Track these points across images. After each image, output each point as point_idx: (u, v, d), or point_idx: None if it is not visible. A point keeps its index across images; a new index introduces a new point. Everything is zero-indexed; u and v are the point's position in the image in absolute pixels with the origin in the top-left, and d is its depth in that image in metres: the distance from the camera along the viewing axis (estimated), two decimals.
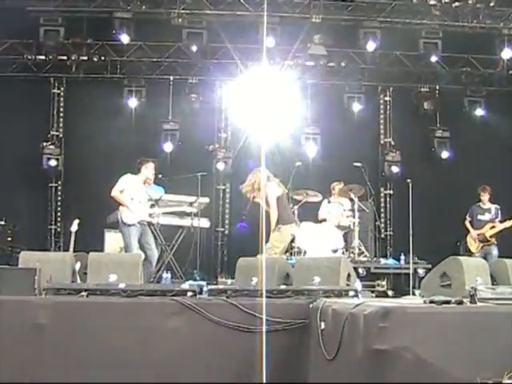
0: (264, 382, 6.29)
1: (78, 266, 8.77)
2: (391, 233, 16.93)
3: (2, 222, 14.54)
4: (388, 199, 17.20)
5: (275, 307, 6.57)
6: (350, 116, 16.69)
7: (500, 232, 13.23)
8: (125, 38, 15.26)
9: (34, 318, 6.32)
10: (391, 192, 17.14)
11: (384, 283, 13.31)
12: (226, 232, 16.80)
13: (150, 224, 11.64)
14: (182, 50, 15.99)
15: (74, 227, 11.47)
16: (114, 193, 10.98)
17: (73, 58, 15.73)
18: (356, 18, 15.77)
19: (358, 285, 7.63)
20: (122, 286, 6.92)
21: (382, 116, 17.39)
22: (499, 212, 13.29)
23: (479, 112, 16.84)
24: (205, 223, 13.17)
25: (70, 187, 16.34)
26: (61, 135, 16.50)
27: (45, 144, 15.96)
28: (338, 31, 15.84)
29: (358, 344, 5.20)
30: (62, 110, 16.70)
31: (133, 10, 15.23)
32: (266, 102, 16.26)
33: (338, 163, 15.99)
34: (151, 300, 6.65)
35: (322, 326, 5.96)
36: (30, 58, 15.79)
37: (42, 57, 15.75)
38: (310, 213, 13.84)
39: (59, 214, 16.44)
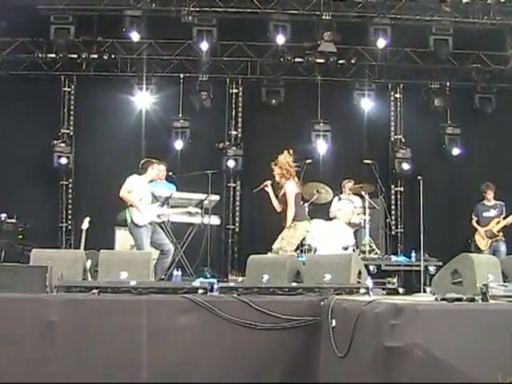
0: (275, 380, 6.31)
1: (89, 263, 8.78)
2: (402, 230, 16.88)
3: (13, 220, 14.60)
4: (399, 196, 17.15)
5: (286, 305, 6.56)
6: (361, 113, 16.66)
7: (506, 226, 13.21)
8: (135, 36, 15.29)
9: (46, 316, 6.33)
10: (402, 189, 17.09)
11: (395, 280, 13.30)
12: (237, 229, 16.81)
13: (160, 222, 11.66)
14: (192, 48, 16.00)
15: (85, 225, 11.51)
16: (123, 193, 10.98)
17: (83, 56, 15.77)
18: (366, 15, 15.73)
19: (369, 282, 7.62)
20: (132, 283, 6.92)
21: (392, 113, 17.32)
22: (504, 208, 13.29)
23: (490, 108, 16.76)
24: (215, 221, 13.16)
25: (81, 185, 16.38)
26: (71, 133, 16.54)
27: (55, 142, 16.01)
28: (348, 28, 15.79)
29: (369, 341, 5.19)
30: (72, 108, 16.74)
31: (143, 8, 15.25)
32: (274, 99, 16.37)
33: (349, 160, 15.99)
34: (162, 297, 6.66)
35: (333, 323, 5.94)
36: (40, 56, 15.83)
37: (53, 55, 15.79)
38: (320, 210, 13.82)
39: (70, 211, 16.48)
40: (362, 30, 15.81)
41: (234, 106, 17.05)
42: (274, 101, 16.52)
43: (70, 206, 16.53)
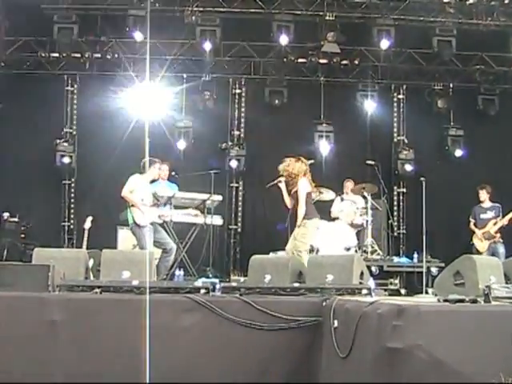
0: (277, 380, 6.31)
1: (91, 262, 8.79)
2: (404, 231, 16.88)
3: (16, 219, 14.60)
4: (401, 197, 17.15)
5: (288, 305, 6.57)
6: (364, 114, 16.64)
7: (504, 227, 13.21)
8: (138, 36, 15.28)
9: (48, 315, 6.34)
10: (404, 190, 17.09)
11: (397, 281, 13.29)
12: (239, 230, 16.81)
13: (163, 222, 11.67)
14: (195, 48, 15.99)
15: (87, 224, 11.53)
16: (125, 193, 11.00)
17: (86, 55, 15.78)
18: (370, 16, 15.73)
19: (371, 283, 7.62)
20: (135, 283, 6.92)
21: (395, 114, 17.32)
22: (500, 210, 13.28)
23: (493, 110, 16.76)
24: (218, 221, 13.17)
25: (83, 184, 16.38)
26: (74, 132, 16.55)
27: (58, 141, 16.01)
28: (352, 29, 15.79)
29: (371, 342, 5.19)
30: (75, 107, 16.74)
31: (146, 8, 15.24)
32: (278, 100, 16.36)
33: (351, 161, 15.99)
34: (164, 297, 6.66)
35: (335, 324, 5.95)
36: (43, 55, 15.84)
37: (56, 54, 15.80)
38: (322, 211, 13.81)
39: (72, 210, 16.49)
40: (366, 31, 15.81)
41: (236, 106, 17.05)
42: (276, 101, 16.51)
43: (72, 206, 16.54)
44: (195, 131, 16.21)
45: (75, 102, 16.76)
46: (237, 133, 16.95)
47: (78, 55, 15.80)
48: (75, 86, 16.76)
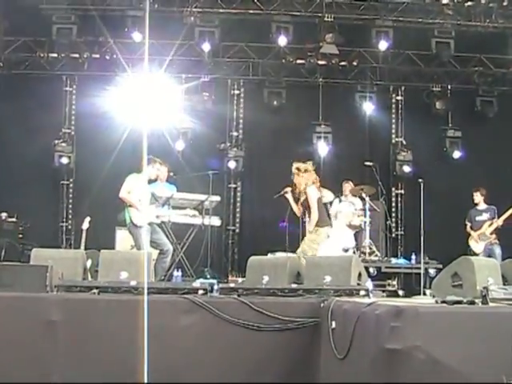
0: (274, 381, 6.32)
1: (89, 263, 8.79)
2: (402, 232, 16.89)
3: (14, 219, 14.60)
4: (399, 199, 17.16)
5: (286, 306, 6.57)
6: (362, 115, 16.66)
7: (499, 228, 13.21)
8: (137, 36, 15.28)
9: (46, 315, 6.34)
10: (402, 192, 17.10)
11: (395, 283, 13.31)
12: (237, 230, 16.81)
13: (161, 223, 11.67)
14: (194, 49, 16.00)
15: (86, 225, 11.53)
16: (123, 194, 10.98)
17: (85, 55, 15.80)
18: (368, 17, 15.75)
19: (369, 284, 7.63)
20: (133, 283, 6.93)
21: (393, 115, 17.34)
22: (496, 212, 13.28)
23: (491, 112, 16.77)
24: (216, 221, 13.16)
25: (82, 185, 16.36)
26: (72, 133, 16.56)
27: (56, 142, 16.02)
28: (350, 30, 15.80)
29: (369, 343, 5.19)
30: (73, 107, 16.75)
31: (145, 8, 15.24)
32: (276, 101, 16.37)
33: (350, 162, 16.00)
34: (162, 298, 6.67)
35: (333, 325, 5.95)
36: (42, 55, 15.87)
37: (55, 55, 15.82)
38: None
39: (70, 211, 16.50)
40: (364, 32, 15.83)
41: (235, 106, 17.05)
42: (275, 102, 16.52)
43: (70, 206, 16.54)
44: (194, 132, 16.20)
45: (74, 102, 16.77)
46: (235, 134, 16.95)
47: (77, 55, 15.81)
48: (74, 86, 16.78)
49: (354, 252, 13.36)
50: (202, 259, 13.27)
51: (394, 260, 14.24)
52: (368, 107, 16.63)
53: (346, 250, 13.05)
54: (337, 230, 13.37)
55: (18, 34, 15.55)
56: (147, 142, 15.28)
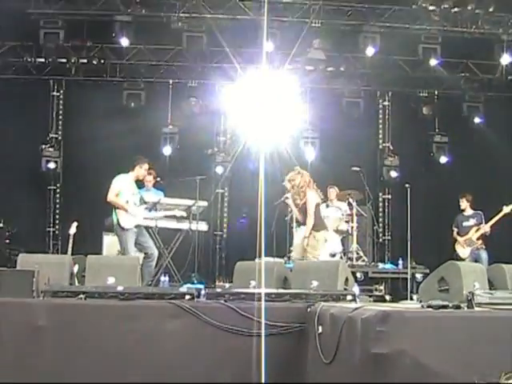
0: None
1: (76, 268, 8.78)
2: (389, 237, 16.93)
3: (1, 224, 14.52)
4: (386, 204, 17.21)
5: (273, 311, 6.57)
6: (349, 120, 16.71)
7: (485, 235, 13.26)
8: (124, 41, 15.27)
9: (32, 320, 6.32)
10: (389, 196, 17.16)
11: (382, 288, 13.32)
12: (225, 235, 16.82)
13: (148, 227, 11.65)
14: (181, 54, 16.01)
15: (73, 230, 11.49)
16: (111, 198, 10.95)
17: (72, 60, 15.74)
18: (356, 23, 15.77)
19: (356, 289, 7.65)
20: (119, 288, 6.91)
21: (380, 120, 17.41)
22: (482, 217, 13.32)
23: (478, 117, 16.85)
24: (203, 227, 13.15)
25: (69, 190, 16.35)
26: (60, 138, 16.53)
27: (44, 146, 16.00)
28: (338, 36, 15.84)
29: (355, 348, 5.20)
30: (61, 112, 16.73)
31: (133, 14, 15.24)
32: (265, 106, 16.34)
33: (337, 167, 16.00)
34: (149, 303, 6.66)
35: (320, 329, 5.96)
36: (29, 60, 15.83)
37: (42, 59, 15.78)
38: None
39: (58, 216, 16.45)
40: (352, 38, 15.87)
41: (223, 112, 17.03)
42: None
43: (57, 211, 16.50)
44: (181, 137, 16.21)
45: (61, 107, 16.74)
46: (223, 139, 16.95)
47: (64, 60, 15.75)
48: (61, 91, 16.75)
49: (341, 257, 13.37)
50: (190, 264, 13.26)
51: (381, 265, 14.27)
52: (355, 112, 16.72)
53: (333, 255, 13.04)
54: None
55: (5, 38, 15.49)
56: (135, 146, 15.39)
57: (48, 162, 15.94)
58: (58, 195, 16.57)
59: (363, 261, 13.91)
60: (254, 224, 15.48)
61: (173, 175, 14.38)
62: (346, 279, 7.96)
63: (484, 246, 13.29)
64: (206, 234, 14.59)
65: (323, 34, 15.47)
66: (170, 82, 16.47)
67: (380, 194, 17.15)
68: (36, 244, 14.81)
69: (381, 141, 17.34)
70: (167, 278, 11.21)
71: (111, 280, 7.59)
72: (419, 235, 13.00)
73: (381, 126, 17.38)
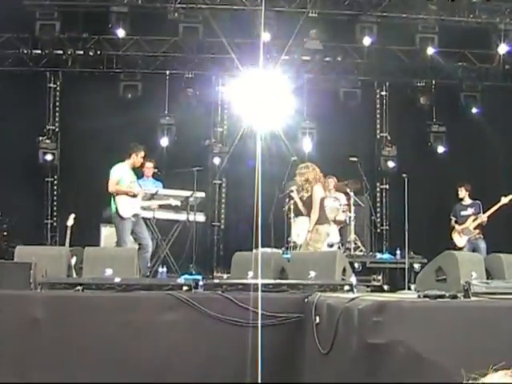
0: (259, 375, 6.32)
1: (73, 260, 8.79)
2: (387, 227, 16.96)
3: None
4: (384, 194, 17.23)
5: (270, 301, 6.57)
6: (346, 111, 16.71)
7: (482, 225, 13.28)
8: (121, 33, 15.24)
9: (30, 313, 6.31)
10: (387, 187, 17.18)
11: (380, 278, 13.36)
12: (222, 226, 16.82)
13: (145, 219, 11.67)
14: (178, 45, 15.98)
15: (70, 222, 11.51)
16: (112, 188, 10.98)
17: (69, 52, 15.74)
18: (352, 13, 15.74)
19: (353, 279, 7.66)
20: (117, 280, 6.91)
21: (378, 111, 17.40)
22: (480, 207, 13.35)
23: (475, 107, 16.85)
24: (201, 218, 13.19)
25: (66, 182, 16.34)
26: (57, 130, 16.49)
27: (41, 138, 15.97)
28: (335, 26, 15.82)
29: (352, 338, 5.21)
30: (57, 104, 16.69)
31: (129, 4, 15.21)
32: (262, 97, 16.31)
33: (334, 158, 15.98)
34: (147, 294, 6.66)
35: (317, 320, 5.97)
36: (25, 52, 15.79)
37: (38, 51, 15.77)
38: None
39: (55, 208, 16.44)
40: (349, 28, 15.84)
41: (220, 102, 17.04)
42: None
43: (55, 203, 16.49)
44: (178, 128, 16.20)
45: (58, 98, 16.71)
46: (220, 130, 16.94)
47: (61, 52, 15.77)
48: (58, 82, 16.72)
49: (339, 247, 13.39)
50: (187, 255, 13.28)
51: (378, 255, 14.30)
52: (352, 102, 16.73)
53: (331, 246, 13.07)
54: None
55: (1, 30, 15.43)
56: (132, 137, 15.37)
57: (45, 153, 15.92)
58: (55, 187, 16.55)
59: (361, 251, 13.94)
60: (252, 215, 15.56)
61: (170, 166, 14.38)
62: (344, 269, 7.96)
63: (482, 236, 13.33)
64: (204, 225, 14.64)
65: (320, 24, 15.44)
66: (167, 73, 16.42)
67: (378, 184, 17.16)
68: (34, 236, 14.85)
69: (378, 131, 17.34)
70: (165, 269, 11.24)
71: (109, 272, 7.59)
72: (417, 225, 13.02)
73: (378, 116, 17.37)
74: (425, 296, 5.38)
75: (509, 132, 16.43)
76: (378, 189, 17.15)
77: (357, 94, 16.84)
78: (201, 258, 14.85)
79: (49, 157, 15.91)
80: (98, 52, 15.90)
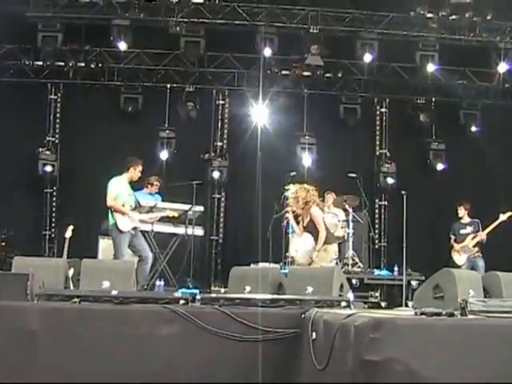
0: None
1: (71, 272, 8.76)
2: (385, 244, 16.95)
3: None
4: (382, 210, 17.23)
5: (267, 316, 6.56)
6: (346, 127, 16.75)
7: (482, 243, 13.28)
8: (122, 46, 15.30)
9: (26, 324, 6.29)
10: (386, 203, 17.18)
11: (377, 294, 13.31)
12: (220, 241, 16.82)
13: (144, 232, 11.65)
14: (179, 58, 16.03)
15: (69, 233, 11.48)
16: (110, 202, 10.96)
17: (70, 64, 15.80)
18: (353, 29, 15.81)
19: (351, 295, 7.64)
20: (114, 292, 6.90)
21: (377, 127, 17.43)
22: (479, 225, 13.34)
23: (475, 125, 16.88)
24: (199, 231, 13.17)
25: (65, 193, 16.34)
26: (57, 141, 16.51)
27: (41, 149, 15.99)
28: (336, 42, 15.88)
29: (348, 355, 5.19)
30: (58, 115, 16.71)
31: (131, 18, 15.27)
32: (263, 112, 16.37)
33: (333, 174, 16.01)
34: (143, 308, 6.64)
35: (314, 335, 5.95)
36: (27, 63, 15.87)
37: (40, 62, 15.83)
38: None
39: (54, 219, 16.45)
40: (349, 44, 15.89)
41: (220, 117, 17.08)
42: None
43: (53, 214, 16.49)
44: (178, 142, 16.21)
45: (58, 110, 16.73)
46: (220, 144, 16.96)
47: (62, 64, 15.82)
48: (59, 94, 16.75)
49: (337, 263, 13.36)
50: (185, 269, 13.25)
51: (376, 271, 14.27)
52: (352, 119, 16.77)
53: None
54: None
55: (3, 41, 15.51)
56: (132, 150, 15.40)
57: (45, 165, 15.93)
58: (54, 198, 16.56)
59: (359, 267, 13.91)
60: (250, 229, 15.60)
61: (169, 180, 14.38)
62: (341, 285, 7.95)
63: (481, 254, 13.30)
64: (202, 239, 14.62)
65: (321, 40, 15.48)
66: (168, 86, 16.46)
67: (376, 201, 17.17)
68: (32, 247, 14.82)
69: (378, 147, 17.36)
70: (162, 283, 11.21)
71: (106, 284, 7.57)
72: (415, 242, 13.02)
73: (378, 133, 17.40)
74: (421, 313, 5.37)
75: (508, 150, 16.47)
76: (376, 205, 17.16)
77: (357, 110, 16.87)
78: (198, 272, 14.83)
79: (48, 168, 15.92)
80: (100, 64, 15.96)
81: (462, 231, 13.51)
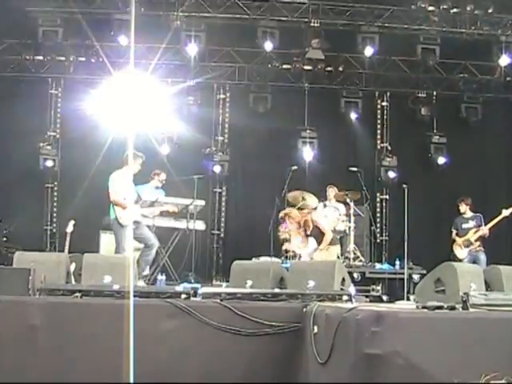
0: None
1: (72, 266, 8.77)
2: (386, 238, 16.93)
3: None
4: (384, 204, 17.21)
5: (269, 310, 6.57)
6: (347, 121, 16.73)
7: (483, 237, 13.28)
8: (123, 40, 15.25)
9: (28, 319, 6.30)
10: (387, 197, 17.16)
11: (379, 288, 13.32)
12: (222, 235, 16.80)
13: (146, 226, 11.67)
14: (180, 53, 15.99)
15: (70, 228, 11.48)
16: (114, 197, 10.98)
17: (71, 58, 15.76)
18: (354, 23, 15.76)
19: (352, 289, 7.64)
20: (115, 287, 6.90)
21: (378, 121, 17.40)
22: (482, 220, 13.34)
23: (476, 118, 16.86)
24: (200, 226, 13.18)
25: (66, 188, 16.30)
26: (58, 136, 16.50)
27: (42, 144, 15.96)
28: (337, 36, 15.82)
29: (350, 348, 5.20)
30: (59, 110, 16.70)
31: (131, 12, 15.21)
32: (263, 106, 16.37)
33: (335, 168, 16.01)
34: (145, 302, 6.65)
35: (315, 329, 5.95)
36: (28, 58, 15.84)
37: (40, 57, 15.80)
38: None
39: (55, 214, 16.44)
40: (350, 38, 15.85)
41: (221, 111, 17.07)
42: (261, 107, 16.53)
43: (55, 209, 16.49)
44: (179, 136, 16.18)
45: (59, 105, 16.72)
46: (221, 138, 16.95)
47: (63, 58, 15.77)
48: (59, 89, 16.74)
49: (338, 257, 13.36)
50: (187, 263, 13.27)
51: (378, 265, 14.28)
52: (353, 113, 16.72)
53: None
54: None
55: (4, 36, 15.48)
56: (132, 145, 15.35)
57: (46, 160, 15.92)
58: (55, 193, 16.56)
59: (360, 261, 13.93)
60: (252, 224, 15.61)
61: (170, 174, 14.37)
62: (343, 279, 7.96)
63: (482, 248, 13.31)
64: (204, 234, 14.62)
65: (322, 33, 15.45)
66: (169, 80, 16.42)
67: (378, 195, 17.14)
68: (33, 242, 14.81)
69: (379, 141, 17.34)
70: (164, 277, 11.21)
71: (107, 279, 7.58)
72: (416, 236, 13.01)
73: (379, 127, 17.38)
74: (423, 307, 5.38)
75: (509, 143, 16.47)
76: (377, 199, 17.13)
77: (358, 104, 16.85)
78: (200, 267, 14.85)
79: (49, 163, 15.91)
80: (100, 59, 15.91)
81: (464, 225, 13.52)
